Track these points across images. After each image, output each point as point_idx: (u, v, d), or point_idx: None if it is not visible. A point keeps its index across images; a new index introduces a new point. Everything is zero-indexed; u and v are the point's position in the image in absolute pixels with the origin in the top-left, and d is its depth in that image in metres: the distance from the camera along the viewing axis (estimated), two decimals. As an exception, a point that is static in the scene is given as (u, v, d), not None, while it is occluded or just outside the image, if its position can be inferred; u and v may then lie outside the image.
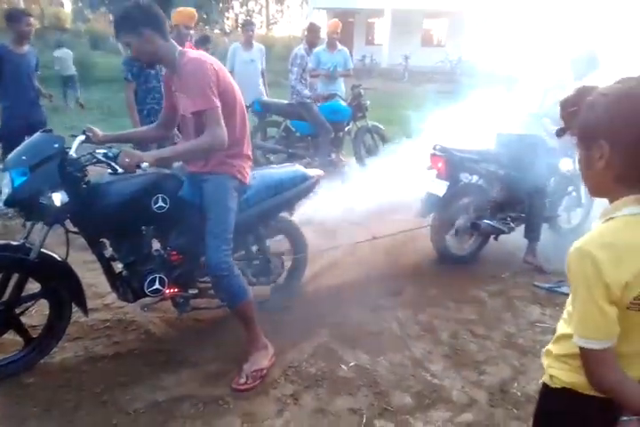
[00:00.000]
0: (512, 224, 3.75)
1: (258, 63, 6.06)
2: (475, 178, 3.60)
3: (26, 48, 4.24)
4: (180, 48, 2.28)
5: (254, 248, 2.83)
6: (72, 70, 10.73)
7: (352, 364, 2.45)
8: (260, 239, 2.80)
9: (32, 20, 4.19)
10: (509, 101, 3.84)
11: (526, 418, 2.15)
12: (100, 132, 2.37)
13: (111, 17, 22.42)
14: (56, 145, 2.13)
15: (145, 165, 2.07)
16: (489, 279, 3.41)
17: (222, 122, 2.18)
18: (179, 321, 2.71)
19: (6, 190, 2.08)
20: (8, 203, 2.09)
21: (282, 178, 2.74)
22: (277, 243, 2.95)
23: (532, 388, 2.36)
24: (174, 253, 2.48)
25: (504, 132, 3.72)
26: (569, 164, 4.04)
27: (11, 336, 2.37)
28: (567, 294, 3.27)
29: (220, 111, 2.18)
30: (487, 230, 3.60)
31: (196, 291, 2.61)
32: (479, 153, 3.56)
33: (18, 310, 2.28)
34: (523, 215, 3.78)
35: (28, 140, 2.21)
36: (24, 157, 2.09)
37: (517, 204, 3.70)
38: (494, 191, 3.64)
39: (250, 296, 2.35)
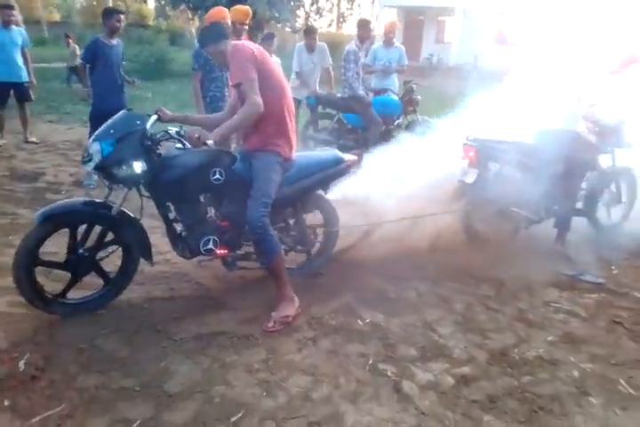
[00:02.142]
0: (543, 214, 3.91)
1: (318, 66, 6.44)
2: (507, 168, 3.79)
3: (115, 41, 4.88)
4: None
5: (292, 221, 3.21)
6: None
7: (368, 320, 2.79)
8: (298, 213, 3.18)
9: (122, 17, 4.83)
10: (550, 98, 3.97)
11: (518, 377, 2.41)
12: (168, 112, 2.84)
13: (190, 14, 23.59)
14: (138, 122, 2.59)
15: (210, 142, 2.49)
16: (513, 263, 3.60)
17: (257, 92, 2.55)
18: (226, 277, 3.14)
19: (96, 158, 2.53)
20: (98, 168, 2.55)
21: (320, 159, 3.11)
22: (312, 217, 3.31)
23: (531, 354, 2.60)
24: (225, 219, 2.91)
25: (542, 128, 3.87)
26: (608, 160, 4.14)
27: (87, 280, 2.87)
28: (590, 282, 3.45)
29: (256, 83, 2.55)
30: (515, 218, 3.79)
31: (242, 252, 3.03)
32: (512, 144, 3.74)
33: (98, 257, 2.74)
34: (555, 207, 3.93)
35: (114, 117, 2.67)
36: (112, 131, 2.55)
37: (549, 195, 3.84)
38: (527, 182, 3.80)
39: (281, 255, 2.75)
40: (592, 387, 2.37)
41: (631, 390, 2.35)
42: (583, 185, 4.04)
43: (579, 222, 4.08)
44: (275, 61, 5.91)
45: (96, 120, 4.87)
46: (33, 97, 6.39)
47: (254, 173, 2.77)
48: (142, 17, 33.45)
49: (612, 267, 3.70)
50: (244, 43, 2.75)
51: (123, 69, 5.09)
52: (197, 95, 4.42)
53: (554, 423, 2.13)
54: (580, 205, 4.05)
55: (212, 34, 2.75)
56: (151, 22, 32.51)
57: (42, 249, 2.56)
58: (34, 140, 6.45)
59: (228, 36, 2.75)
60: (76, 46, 11.81)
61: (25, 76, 6.16)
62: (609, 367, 2.52)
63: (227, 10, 4.63)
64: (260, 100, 2.57)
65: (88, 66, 4.75)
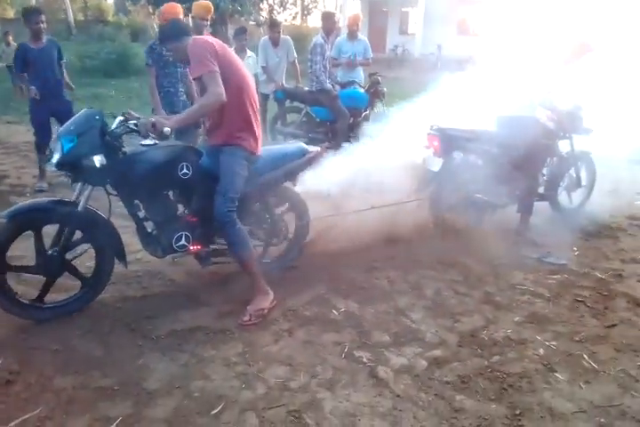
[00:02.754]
0: (506, 200, 4.03)
1: (284, 60, 6.42)
2: (470, 156, 3.89)
3: (44, 42, 4.62)
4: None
5: (263, 214, 3.23)
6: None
7: (342, 310, 2.85)
8: (268, 206, 3.20)
9: (42, 17, 4.55)
10: (509, 85, 4.08)
11: (488, 357, 2.51)
12: (135, 114, 2.82)
13: (150, 9, 23.13)
14: (97, 117, 2.58)
15: (166, 129, 2.46)
16: (479, 248, 3.69)
17: (220, 83, 2.54)
18: (199, 273, 3.15)
19: (57, 155, 2.51)
20: (59, 165, 2.52)
21: (286, 152, 3.14)
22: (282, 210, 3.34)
23: (499, 335, 2.70)
24: (195, 214, 2.91)
25: (503, 115, 3.98)
26: (567, 146, 4.29)
27: (62, 281, 2.83)
28: (553, 264, 3.58)
29: (218, 75, 2.54)
30: (480, 204, 3.90)
31: (215, 247, 3.03)
32: (474, 133, 3.84)
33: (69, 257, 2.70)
34: (517, 193, 4.05)
35: (75, 115, 2.65)
36: (72, 128, 2.54)
37: (512, 181, 3.97)
38: (490, 168, 3.91)
39: (250, 249, 2.77)
40: (558, 364, 2.48)
41: (594, 365, 2.47)
42: (544, 170, 4.18)
43: (541, 206, 4.22)
44: (249, 56, 5.90)
45: (38, 125, 4.72)
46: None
47: (221, 167, 2.78)
48: (101, 12, 32.57)
49: (574, 248, 3.85)
50: (204, 37, 2.75)
51: (64, 68, 4.87)
52: (153, 90, 4.43)
53: (523, 400, 2.23)
54: (541, 189, 4.19)
55: (173, 31, 2.74)
56: (111, 18, 31.71)
57: (8, 253, 2.52)
58: (-7, 142, 6.29)
59: (189, 33, 2.75)
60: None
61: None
62: (573, 344, 2.64)
63: (179, 5, 4.61)
64: (222, 90, 2.55)
65: (23, 74, 4.62)
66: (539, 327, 2.79)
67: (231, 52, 2.78)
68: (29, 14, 4.53)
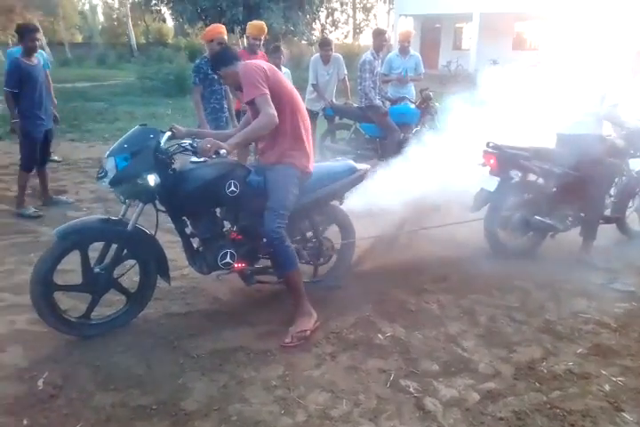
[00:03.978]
0: (569, 222, 3.78)
1: (334, 77, 6.41)
2: (530, 175, 3.69)
3: (36, 60, 4.51)
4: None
5: (309, 233, 3.17)
6: None
7: (388, 334, 2.72)
8: (315, 225, 3.14)
9: (38, 35, 4.42)
10: (569, 101, 3.86)
11: (547, 392, 2.30)
12: (182, 128, 2.86)
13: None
14: (152, 136, 2.58)
15: (223, 151, 2.46)
16: (539, 272, 3.48)
17: (272, 105, 2.56)
18: (243, 292, 3.11)
19: (111, 174, 2.50)
20: (113, 183, 2.52)
21: (334, 170, 3.08)
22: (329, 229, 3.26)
23: (560, 368, 2.48)
24: (241, 232, 2.88)
25: (564, 132, 3.76)
26: (638, 164, 3.99)
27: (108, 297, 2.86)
28: (620, 291, 3.30)
29: (269, 97, 2.56)
30: (539, 227, 3.67)
31: (260, 266, 2.99)
32: (534, 151, 3.63)
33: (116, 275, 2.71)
34: (582, 214, 3.79)
35: (128, 133, 2.65)
36: (126, 146, 2.54)
37: (575, 202, 3.73)
38: (551, 189, 3.70)
39: (297, 267, 2.70)
40: (625, 402, 2.25)
41: (668, 406, 2.22)
42: (611, 191, 3.91)
43: (608, 228, 3.94)
44: (284, 72, 5.98)
45: (34, 148, 4.52)
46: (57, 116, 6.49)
47: (271, 184, 2.75)
48: (162, 35, 34.27)
49: (644, 274, 3.55)
50: (255, 61, 2.77)
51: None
52: (198, 107, 4.57)
53: (587, 442, 2.02)
54: (608, 212, 3.91)
55: (224, 57, 2.78)
56: (171, 40, 33.27)
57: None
58: (56, 158, 6.55)
59: (239, 58, 2.79)
60: None
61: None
62: (643, 381, 2.40)
63: (223, 26, 4.72)
64: (274, 111, 2.57)
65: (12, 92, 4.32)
66: (604, 361, 2.55)
67: (276, 71, 2.77)
68: (24, 32, 4.37)
